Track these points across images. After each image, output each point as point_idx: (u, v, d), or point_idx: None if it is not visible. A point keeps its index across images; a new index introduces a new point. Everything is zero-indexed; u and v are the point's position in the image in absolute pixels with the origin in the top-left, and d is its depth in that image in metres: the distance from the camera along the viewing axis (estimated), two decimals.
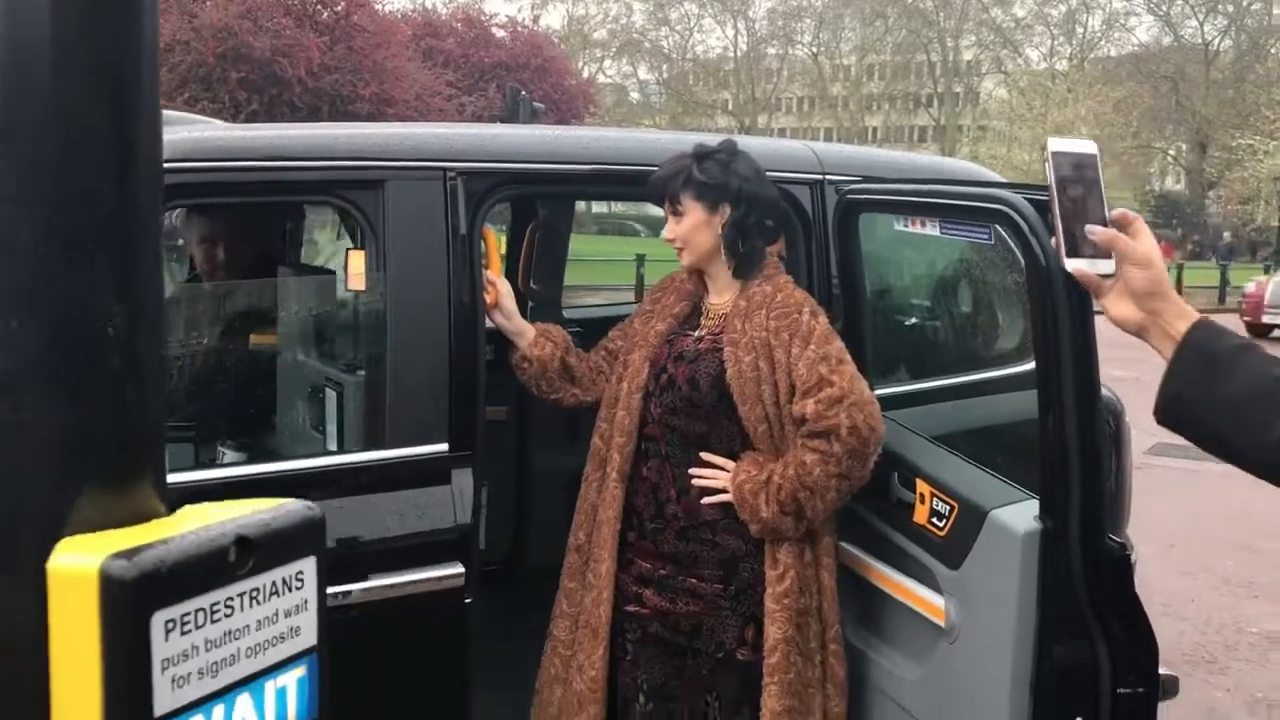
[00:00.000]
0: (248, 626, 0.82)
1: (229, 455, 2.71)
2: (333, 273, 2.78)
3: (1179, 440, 1.46)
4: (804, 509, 2.41)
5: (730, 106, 61.92)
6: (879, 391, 2.84)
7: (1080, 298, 1.96)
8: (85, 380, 0.81)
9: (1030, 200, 2.05)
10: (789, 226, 2.92)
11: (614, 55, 61.89)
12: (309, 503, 0.91)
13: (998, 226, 2.15)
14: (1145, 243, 1.47)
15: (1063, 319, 1.99)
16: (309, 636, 0.87)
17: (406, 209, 2.44)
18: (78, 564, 0.75)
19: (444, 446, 2.45)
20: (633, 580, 2.60)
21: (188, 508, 0.88)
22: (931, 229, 2.49)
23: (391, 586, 2.34)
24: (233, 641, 0.81)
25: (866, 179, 2.90)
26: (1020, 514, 2.19)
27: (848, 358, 2.45)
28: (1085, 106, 49.59)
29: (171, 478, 1.61)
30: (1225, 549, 6.64)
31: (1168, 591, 5.74)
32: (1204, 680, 4.71)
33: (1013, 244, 2.10)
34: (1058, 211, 1.50)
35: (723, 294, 2.63)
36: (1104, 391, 3.35)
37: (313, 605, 0.87)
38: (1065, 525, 2.07)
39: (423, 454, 2.44)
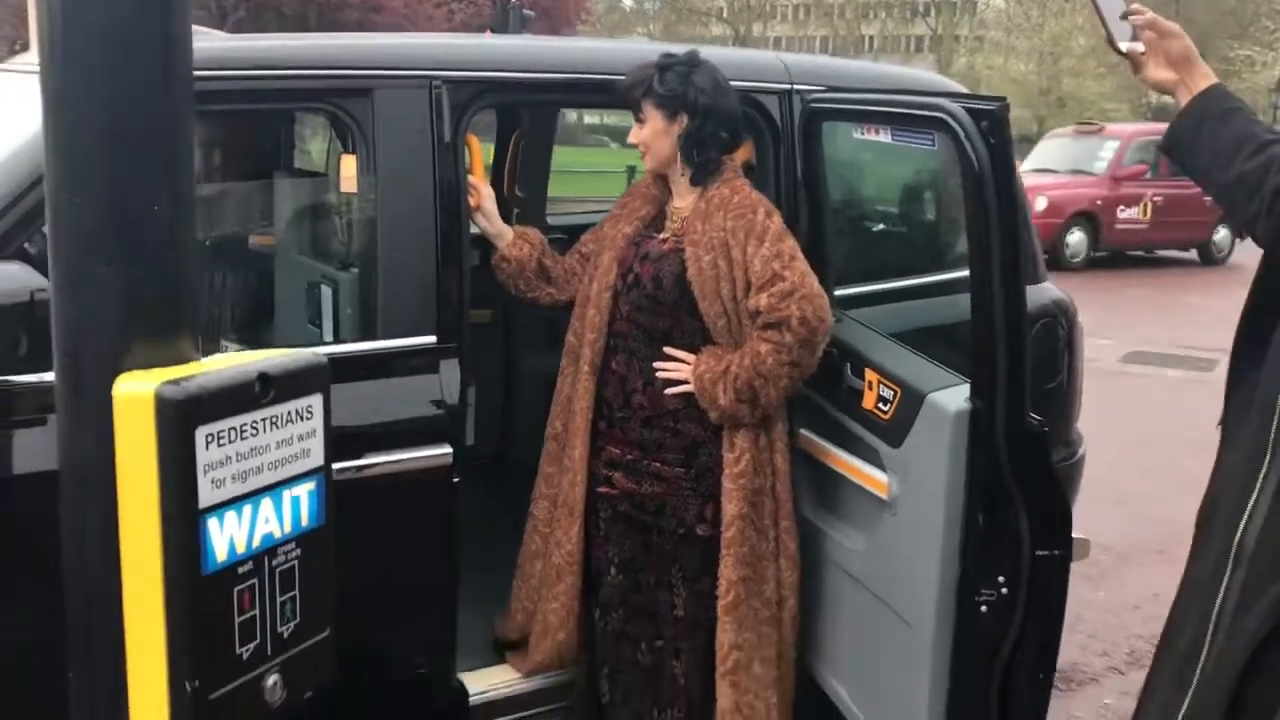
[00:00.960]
0: (269, 445, 1.04)
1: (232, 349, 2.91)
2: (325, 176, 2.95)
3: (1151, 348, 1.71)
4: (759, 396, 2.62)
5: (725, 14, 61.01)
6: (840, 292, 3.07)
7: (1009, 201, 2.16)
8: (135, 250, 1.02)
9: (967, 109, 2.24)
10: (758, 134, 3.10)
11: None
12: (317, 353, 1.12)
13: (939, 133, 2.34)
14: (1171, 22, 1.91)
15: (993, 220, 2.19)
16: (317, 458, 1.09)
17: (394, 116, 2.61)
18: (137, 390, 0.97)
19: (432, 339, 2.65)
20: (604, 465, 2.82)
21: (217, 355, 1.09)
22: (885, 136, 2.67)
23: (386, 464, 2.56)
24: (258, 455, 1.03)
25: (832, 89, 3.07)
26: (954, 396, 2.41)
27: (799, 255, 2.64)
28: (1083, 16, 48.99)
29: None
30: (1188, 449, 6.88)
31: (1126, 487, 6.02)
32: (1151, 569, 5.00)
33: (953, 149, 2.28)
34: (1101, 7, 1.95)
35: (684, 198, 2.81)
36: (1058, 295, 3.60)
37: (320, 433, 1.08)
38: (992, 406, 2.30)
39: (412, 345, 2.64)
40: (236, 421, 1.00)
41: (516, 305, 3.79)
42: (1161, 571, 4.96)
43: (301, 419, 1.07)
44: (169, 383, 0.96)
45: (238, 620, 1.01)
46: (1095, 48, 51.02)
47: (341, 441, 2.51)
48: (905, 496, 2.54)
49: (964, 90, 3.53)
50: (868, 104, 2.75)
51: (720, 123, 2.74)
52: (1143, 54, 1.93)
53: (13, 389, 2.18)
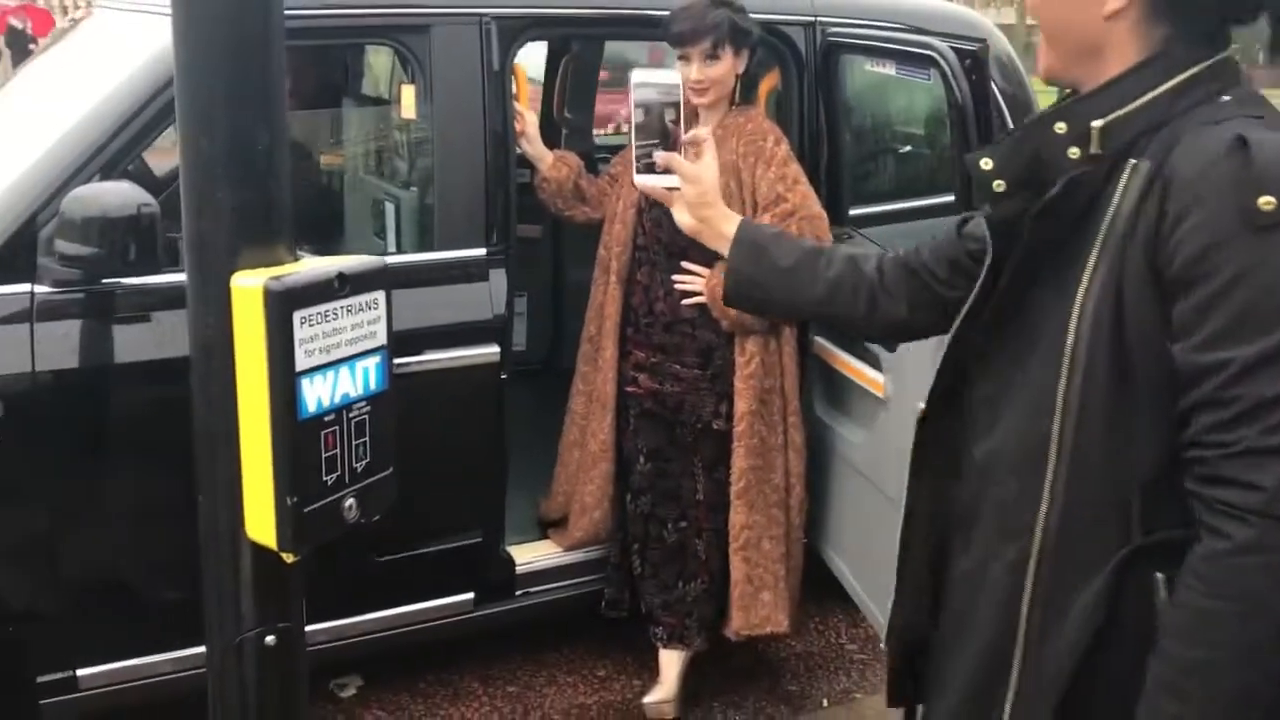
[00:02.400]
0: (346, 327, 1.38)
1: (307, 256, 3.27)
2: (389, 103, 3.27)
3: None
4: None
5: None
6: (855, 211, 3.36)
7: (987, 130, 2.43)
8: (245, 178, 1.36)
9: (955, 49, 2.50)
10: (784, 65, 3.36)
11: None
12: (379, 258, 1.46)
13: (933, 69, 2.60)
14: (702, 163, 1.68)
15: (973, 145, 2.46)
16: (381, 338, 1.44)
17: (449, 49, 2.91)
18: (250, 284, 1.32)
19: (482, 251, 2.98)
20: (631, 366, 3.15)
21: (308, 258, 1.44)
22: (890, 70, 2.93)
23: (443, 360, 2.91)
24: (339, 335, 1.38)
25: (852, 23, 3.32)
26: None
27: (803, 179, 2.92)
28: None
29: None
30: None
31: None
32: None
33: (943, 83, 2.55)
34: (633, 135, 1.68)
35: (710, 125, 3.08)
36: None
37: (383, 320, 1.43)
38: None
39: (464, 256, 2.97)
40: (322, 308, 1.34)
41: (563, 222, 4.10)
42: None
43: (369, 309, 1.41)
44: (273, 279, 1.31)
45: (324, 455, 1.37)
46: None
47: (405, 340, 2.90)
48: (897, 393, 2.85)
49: (978, 20, 3.75)
50: (875, 40, 2.99)
51: (759, 57, 3.01)
52: (673, 190, 1.71)
53: (121, 290, 2.55)
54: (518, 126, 3.11)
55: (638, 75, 1.67)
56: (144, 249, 2.45)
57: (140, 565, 2.65)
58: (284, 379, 1.30)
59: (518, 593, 3.23)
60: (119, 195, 2.45)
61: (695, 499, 3.15)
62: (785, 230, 1.81)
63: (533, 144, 3.19)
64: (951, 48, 2.51)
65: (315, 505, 1.36)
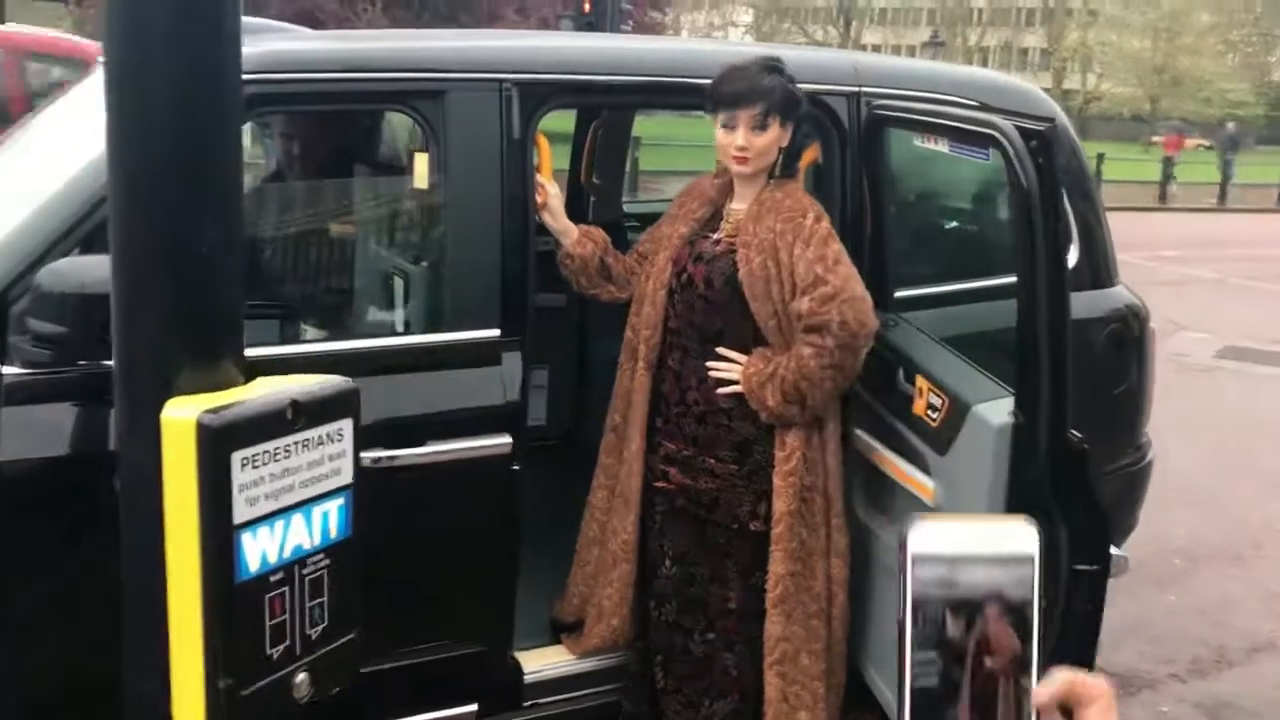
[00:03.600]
0: (301, 466, 1.14)
1: (310, 332, 3.06)
2: (402, 172, 3.07)
3: (1246, 343, 1.56)
4: (805, 398, 2.67)
5: None
6: (900, 294, 3.10)
7: (1055, 221, 2.18)
8: (187, 281, 1.13)
9: (1019, 129, 2.26)
10: (825, 137, 3.13)
11: None
12: (347, 378, 1.22)
13: (993, 149, 2.36)
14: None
15: (1039, 239, 2.22)
16: (346, 476, 1.20)
17: (465, 117, 2.70)
18: (182, 416, 1.08)
19: (496, 331, 2.76)
20: (660, 460, 2.90)
21: (259, 379, 1.20)
22: (943, 147, 2.69)
23: (448, 452, 2.68)
24: (290, 476, 1.13)
25: (899, 95, 3.09)
26: (998, 409, 2.45)
27: (845, 259, 2.68)
28: None
29: (259, 351, 1.97)
30: (1273, 450, 6.76)
31: (1206, 488, 5.92)
32: (1224, 574, 4.93)
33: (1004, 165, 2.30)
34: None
35: (746, 200, 2.85)
36: (1130, 298, 3.58)
37: (349, 454, 1.19)
38: (1034, 422, 2.33)
39: (475, 338, 2.75)
40: (270, 446, 1.11)
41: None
42: (1232, 577, 4.90)
43: (332, 441, 1.18)
44: (209, 411, 1.07)
45: (268, 624, 1.12)
46: (1216, 24, 49.25)
47: (407, 429, 2.70)
48: (949, 504, 2.58)
49: (1039, 95, 3.51)
50: (927, 114, 2.76)
51: (805, 130, 2.81)
52: None
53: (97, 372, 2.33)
54: (539, 199, 2.89)
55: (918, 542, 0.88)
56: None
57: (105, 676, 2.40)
58: (218, 534, 1.06)
59: (526, 704, 2.98)
60: (98, 270, 2.24)
61: (726, 608, 2.89)
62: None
63: (555, 218, 2.97)
64: (1016, 126, 2.27)
65: (256, 686, 1.11)
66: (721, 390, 2.79)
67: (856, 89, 3.12)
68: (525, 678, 2.96)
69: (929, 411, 2.67)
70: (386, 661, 2.78)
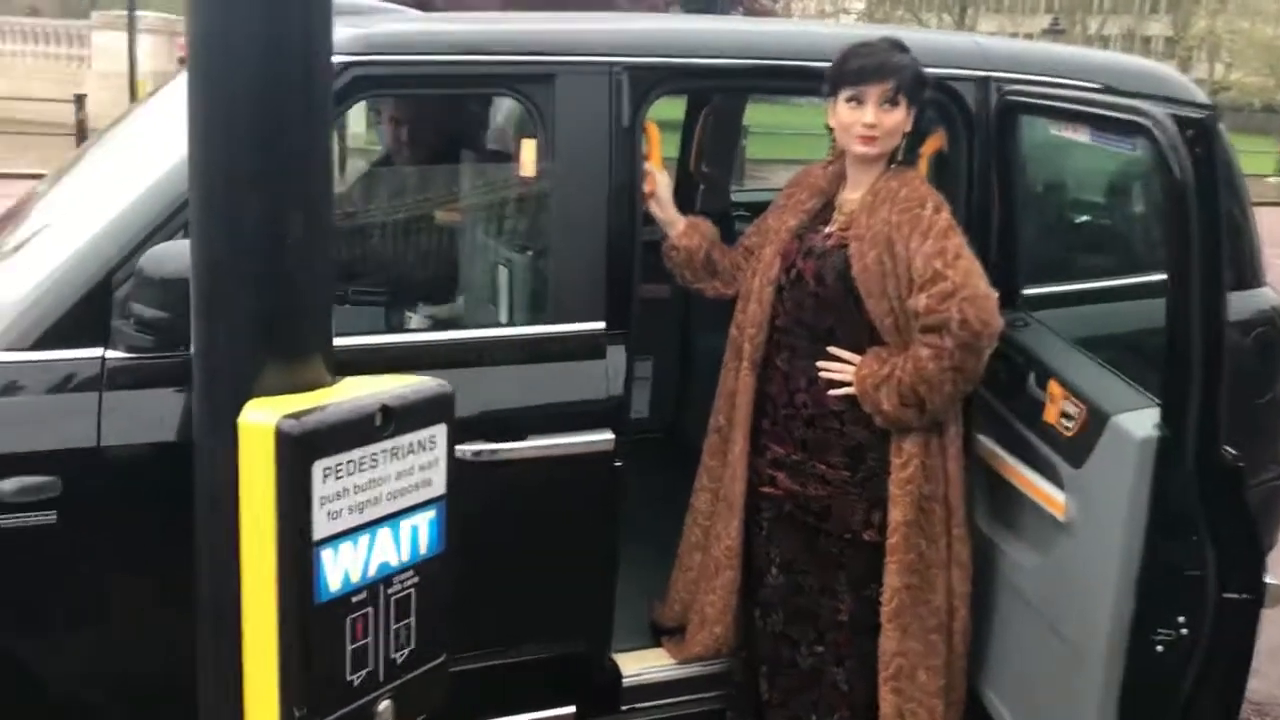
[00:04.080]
0: (389, 476, 1.05)
1: (415, 320, 3.00)
2: (511, 158, 2.98)
3: None
4: (924, 401, 2.51)
5: None
6: (1029, 291, 2.91)
7: (1213, 217, 1.99)
8: (272, 278, 1.04)
9: (1172, 115, 2.07)
10: (950, 124, 2.96)
11: None
12: (442, 381, 1.12)
13: (1141, 139, 2.17)
14: None
15: (1193, 234, 2.02)
16: (439, 487, 1.10)
17: (573, 102, 2.60)
18: (261, 421, 0.99)
19: (600, 325, 2.65)
20: (767, 464, 2.76)
21: (348, 380, 1.10)
22: (1083, 136, 2.50)
23: (547, 446, 2.59)
24: (376, 487, 1.04)
25: (1032, 79, 2.90)
26: (1141, 421, 2.25)
27: (966, 253, 2.50)
28: None
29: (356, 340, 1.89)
30: None
31: None
32: None
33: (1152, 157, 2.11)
34: None
35: (860, 189, 2.68)
36: (1278, 300, 3.32)
37: (442, 463, 1.09)
38: (1182, 434, 2.14)
39: (580, 330, 2.65)
40: (356, 454, 1.01)
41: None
42: None
43: (424, 449, 1.08)
44: (290, 416, 0.98)
45: (350, 648, 1.03)
46: None
47: (508, 422, 2.62)
48: (1083, 520, 2.40)
49: (1186, 83, 3.27)
50: (1065, 101, 2.56)
51: (928, 116, 2.69)
52: None
53: None
54: (647, 187, 2.78)
55: None
56: None
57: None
58: (296, 551, 0.97)
59: (624, 708, 2.89)
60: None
61: (836, 620, 2.75)
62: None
63: (664, 208, 2.85)
64: (1170, 114, 2.07)
65: (334, 716, 1.01)
66: (833, 392, 2.64)
67: (985, 73, 2.93)
68: (624, 681, 2.87)
69: (1063, 420, 2.49)
70: (483, 660, 2.71)
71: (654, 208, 2.83)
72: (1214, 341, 2.07)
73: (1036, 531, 2.62)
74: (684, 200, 4.52)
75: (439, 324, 2.97)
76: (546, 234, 2.70)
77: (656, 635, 3.05)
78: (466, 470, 2.57)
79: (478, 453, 2.53)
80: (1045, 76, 2.88)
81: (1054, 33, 30.00)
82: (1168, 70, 3.40)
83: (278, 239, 1.03)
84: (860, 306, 2.60)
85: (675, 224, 2.86)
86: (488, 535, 2.64)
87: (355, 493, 1.02)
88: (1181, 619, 2.19)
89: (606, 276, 2.66)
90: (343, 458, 1.00)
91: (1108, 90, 2.77)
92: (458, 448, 2.46)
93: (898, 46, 2.61)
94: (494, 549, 2.64)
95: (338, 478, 1.00)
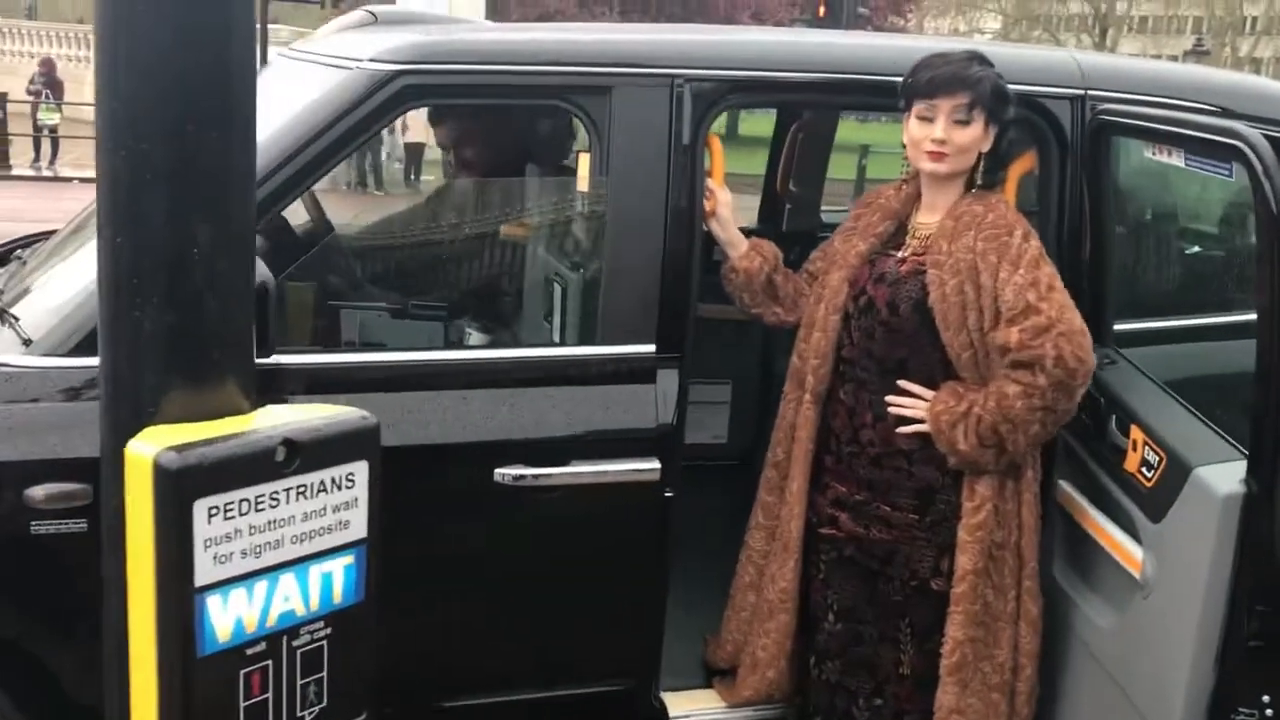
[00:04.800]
0: (293, 517, 0.94)
1: (474, 337, 2.93)
2: (569, 172, 2.90)
3: None
4: (1005, 442, 2.34)
5: None
6: (1120, 327, 2.70)
7: None
8: (173, 292, 0.95)
9: (1269, 137, 1.86)
10: (1043, 145, 2.77)
11: None
12: (364, 413, 1.02)
13: (1236, 163, 1.97)
14: None
15: None
16: (358, 530, 0.99)
17: (631, 115, 2.50)
18: (142, 453, 0.90)
19: (651, 348, 2.54)
20: (829, 503, 2.61)
21: (268, 409, 1.01)
22: (1178, 160, 2.29)
23: (590, 474, 2.48)
24: (278, 529, 0.94)
25: (1134, 97, 2.69)
26: (1226, 474, 2.04)
27: (1059, 284, 2.34)
28: None
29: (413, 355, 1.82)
30: None
31: None
32: None
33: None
34: None
35: (936, 212, 2.52)
36: None
37: (363, 503, 0.98)
38: (1271, 490, 1.92)
39: (630, 353, 2.54)
40: (251, 493, 0.92)
41: None
42: None
43: (338, 488, 0.98)
44: (172, 449, 0.89)
45: (243, 704, 0.93)
46: None
47: (550, 447, 2.52)
48: (1161, 580, 2.18)
49: None
50: (1159, 121, 2.36)
51: (1013, 136, 2.52)
52: None
53: None
54: (708, 205, 2.66)
55: None
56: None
57: None
58: (176, 596, 0.88)
59: None
60: None
61: (898, 673, 2.58)
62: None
63: (724, 227, 2.72)
64: (1266, 136, 1.87)
65: None
66: (903, 430, 2.48)
67: (1082, 91, 2.73)
68: None
69: (1143, 469, 2.28)
70: (524, 693, 2.62)
71: (715, 227, 2.71)
72: None
73: (1114, 589, 2.41)
74: (772, 221, 4.39)
75: (496, 342, 2.89)
76: (599, 252, 2.60)
77: (709, 675, 2.92)
78: (507, 495, 2.53)
79: (518, 477, 2.45)
80: (1143, 94, 2.66)
81: (1198, 53, 28.80)
82: (1266, 86, 3.14)
83: (183, 252, 0.94)
84: (935, 339, 2.43)
85: (736, 245, 2.73)
86: (528, 564, 2.56)
87: (251, 534, 0.92)
88: (1267, 698, 1.97)
89: (660, 298, 2.55)
90: (233, 496, 0.91)
91: (1222, 113, 2.54)
92: (498, 471, 2.47)
93: (976, 59, 2.45)
94: (535, 578, 2.56)
95: (227, 518, 0.90)
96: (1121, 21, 58.55)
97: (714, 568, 2.92)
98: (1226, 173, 2.08)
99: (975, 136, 2.42)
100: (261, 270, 2.16)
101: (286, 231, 2.95)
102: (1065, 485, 2.60)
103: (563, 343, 2.74)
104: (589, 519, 2.54)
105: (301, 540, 0.97)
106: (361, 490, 1.01)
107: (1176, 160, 2.30)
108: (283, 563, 0.96)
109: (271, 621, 0.95)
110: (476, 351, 2.73)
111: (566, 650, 2.64)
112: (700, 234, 2.63)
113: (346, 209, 4.93)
